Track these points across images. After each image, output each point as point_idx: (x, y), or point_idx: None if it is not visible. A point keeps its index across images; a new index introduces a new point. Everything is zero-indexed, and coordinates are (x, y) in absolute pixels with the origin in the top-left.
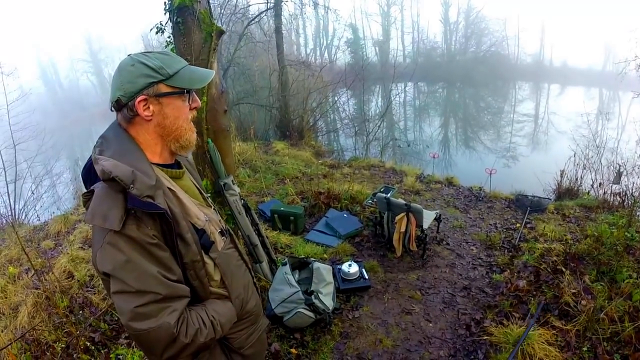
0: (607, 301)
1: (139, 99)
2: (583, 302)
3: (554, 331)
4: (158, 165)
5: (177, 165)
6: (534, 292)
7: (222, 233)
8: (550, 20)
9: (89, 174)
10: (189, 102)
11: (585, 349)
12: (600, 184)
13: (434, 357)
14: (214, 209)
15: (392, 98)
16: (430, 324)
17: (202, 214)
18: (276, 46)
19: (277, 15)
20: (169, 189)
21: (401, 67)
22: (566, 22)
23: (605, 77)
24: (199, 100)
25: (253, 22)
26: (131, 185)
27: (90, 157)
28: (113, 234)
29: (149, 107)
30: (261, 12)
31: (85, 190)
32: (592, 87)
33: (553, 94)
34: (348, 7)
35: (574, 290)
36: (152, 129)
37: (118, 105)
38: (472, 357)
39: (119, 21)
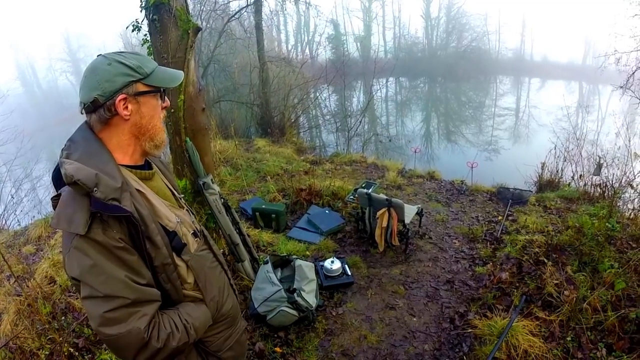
0: (589, 291)
1: (119, 97)
2: (566, 292)
3: (537, 322)
4: (127, 166)
5: (147, 166)
6: (517, 284)
7: (195, 234)
8: (531, 15)
9: (59, 177)
10: (162, 101)
11: (569, 338)
12: (580, 175)
13: (419, 352)
14: (187, 210)
15: (374, 93)
16: (415, 319)
17: (173, 215)
18: (257, 43)
19: (258, 11)
20: (138, 190)
21: (382, 63)
22: (546, 17)
23: (585, 71)
24: (168, 101)
25: (233, 18)
26: (95, 189)
27: (59, 160)
28: (79, 238)
29: (127, 107)
30: (241, 9)
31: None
32: (573, 81)
33: (534, 88)
34: (329, 3)
35: (556, 281)
36: (128, 129)
37: (94, 105)
38: (457, 350)
39: (98, 19)
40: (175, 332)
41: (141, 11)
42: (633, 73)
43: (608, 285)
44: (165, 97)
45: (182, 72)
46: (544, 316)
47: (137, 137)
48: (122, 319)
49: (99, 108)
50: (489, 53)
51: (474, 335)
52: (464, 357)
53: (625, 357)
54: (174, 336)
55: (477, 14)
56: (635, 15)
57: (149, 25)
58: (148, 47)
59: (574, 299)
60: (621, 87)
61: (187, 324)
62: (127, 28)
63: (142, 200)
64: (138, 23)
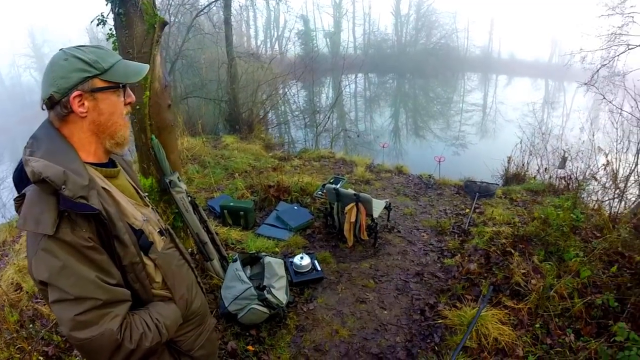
0: (556, 279)
1: (73, 94)
2: (533, 281)
3: (506, 311)
4: (92, 164)
5: (111, 164)
6: (485, 274)
7: (161, 233)
8: (499, 14)
9: (21, 177)
10: (123, 97)
11: (537, 325)
12: (546, 169)
13: (391, 344)
14: (152, 208)
15: (342, 89)
16: (385, 311)
17: (139, 213)
18: (225, 38)
19: (227, 6)
20: (104, 188)
21: (352, 59)
22: (514, 16)
23: (551, 68)
24: (133, 96)
25: (202, 13)
26: (63, 186)
27: (22, 159)
28: (47, 239)
29: (83, 104)
30: (210, 3)
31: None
32: (539, 78)
33: (501, 85)
34: None
35: (523, 271)
36: (87, 127)
37: (51, 102)
38: (429, 340)
39: (63, 12)
40: (147, 332)
41: (107, 4)
42: (597, 70)
43: (574, 274)
44: (130, 92)
45: (147, 65)
46: (512, 305)
47: (97, 135)
48: (94, 321)
49: (56, 105)
50: (457, 50)
51: (444, 326)
52: (436, 347)
53: (593, 341)
54: (147, 336)
55: (446, 12)
56: (602, 15)
57: (114, 19)
58: (113, 42)
59: (541, 287)
60: (585, 83)
61: (158, 323)
62: (91, 22)
63: (109, 198)
64: (103, 17)
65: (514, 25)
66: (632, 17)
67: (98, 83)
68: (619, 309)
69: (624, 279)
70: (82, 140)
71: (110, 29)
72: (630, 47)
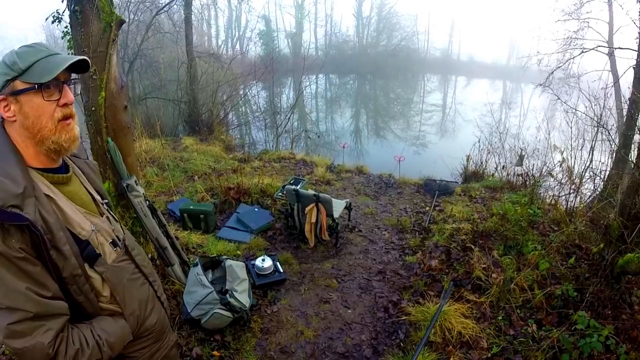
0: (516, 272)
1: None
2: (494, 275)
3: (468, 305)
4: (38, 169)
5: (64, 169)
6: (447, 270)
7: (114, 244)
8: (459, 18)
9: None
10: (46, 98)
11: (500, 317)
12: (503, 166)
13: (356, 342)
14: (107, 217)
15: (303, 89)
16: (349, 311)
17: (87, 223)
18: (185, 37)
19: (188, 4)
20: (47, 195)
21: (312, 59)
22: (474, 19)
23: (509, 70)
24: (70, 95)
25: (162, 11)
26: None
27: None
28: None
29: (9, 108)
30: (171, 1)
31: None
32: (497, 80)
33: (460, 86)
34: None
35: (484, 265)
36: (20, 131)
37: None
38: (394, 337)
39: (19, 7)
40: (85, 348)
41: (62, 1)
42: (552, 72)
43: (533, 266)
44: (67, 92)
45: (72, 57)
46: (474, 299)
47: (30, 139)
48: (27, 333)
49: None
50: (417, 52)
51: (408, 322)
52: (401, 344)
53: (554, 330)
54: (84, 353)
55: (407, 15)
56: (558, 20)
57: (70, 16)
58: (68, 40)
59: (502, 280)
60: (541, 84)
61: (99, 340)
62: (46, 19)
63: (51, 206)
64: (59, 14)
65: (474, 28)
66: (588, 22)
67: (19, 85)
68: (578, 299)
69: (582, 269)
70: (20, 144)
71: (66, 27)
72: (584, 50)
